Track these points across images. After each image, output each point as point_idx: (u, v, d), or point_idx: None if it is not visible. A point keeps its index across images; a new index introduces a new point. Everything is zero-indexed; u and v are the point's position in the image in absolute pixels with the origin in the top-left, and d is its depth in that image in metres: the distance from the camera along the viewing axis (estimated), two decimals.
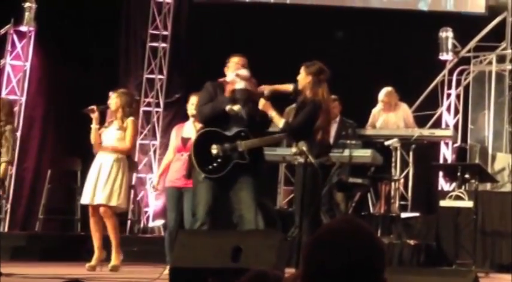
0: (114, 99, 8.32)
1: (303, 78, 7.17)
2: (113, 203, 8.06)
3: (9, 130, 8.24)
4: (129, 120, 8.27)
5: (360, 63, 11.18)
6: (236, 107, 6.86)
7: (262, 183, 8.41)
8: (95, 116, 8.20)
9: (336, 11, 11.97)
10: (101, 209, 8.08)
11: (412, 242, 8.80)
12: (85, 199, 8.15)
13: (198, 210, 6.85)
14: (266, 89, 7.37)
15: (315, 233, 2.13)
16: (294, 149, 6.72)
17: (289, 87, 7.54)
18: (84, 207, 8.51)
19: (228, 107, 6.92)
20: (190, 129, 7.74)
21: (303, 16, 11.91)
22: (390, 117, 9.84)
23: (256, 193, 6.74)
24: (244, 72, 7.15)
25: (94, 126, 8.23)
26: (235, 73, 7.11)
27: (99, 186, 8.05)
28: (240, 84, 7.01)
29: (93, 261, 8.12)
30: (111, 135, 8.22)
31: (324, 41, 11.43)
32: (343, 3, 12.12)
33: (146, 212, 11.50)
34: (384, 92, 9.80)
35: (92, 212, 8.16)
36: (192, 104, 7.73)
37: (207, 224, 6.71)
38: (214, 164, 6.73)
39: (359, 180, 8.82)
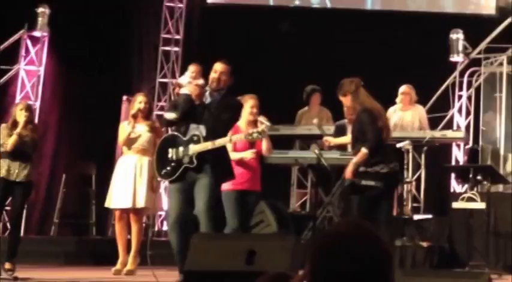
0: (143, 103, 8.32)
1: (345, 100, 7.34)
2: (143, 205, 8.12)
3: (39, 136, 8.46)
4: (158, 124, 8.36)
5: (371, 65, 11.22)
6: (168, 115, 7.03)
7: (275, 186, 8.54)
8: (133, 121, 8.21)
9: (346, 14, 12.03)
10: (133, 212, 8.14)
11: (425, 244, 8.82)
12: (121, 203, 8.19)
13: (169, 216, 6.96)
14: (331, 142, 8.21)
15: (322, 237, 2.15)
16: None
17: (347, 138, 8.03)
18: (100, 212, 8.57)
19: (164, 115, 7.16)
20: None
21: (313, 19, 11.96)
22: (406, 115, 9.85)
23: (209, 197, 6.68)
24: (199, 81, 7.25)
25: (128, 130, 8.24)
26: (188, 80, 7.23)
27: (140, 189, 8.11)
28: (185, 90, 7.09)
29: (119, 265, 8.17)
30: (142, 138, 8.28)
31: (335, 44, 11.48)
32: (355, 6, 12.17)
33: (160, 216, 11.55)
34: (404, 86, 9.84)
35: (119, 216, 8.22)
36: None
37: (176, 231, 6.72)
38: (168, 168, 6.84)
39: (372, 183, 8.84)
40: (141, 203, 8.08)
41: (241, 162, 7.60)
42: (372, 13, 11.97)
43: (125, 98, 10.61)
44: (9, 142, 8.10)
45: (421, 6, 12.03)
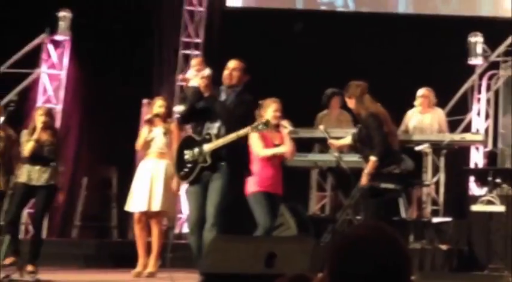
0: (162, 107, 8.39)
1: (349, 103, 7.61)
2: (164, 208, 8.19)
3: (61, 140, 8.55)
4: (174, 126, 8.42)
5: (390, 68, 11.24)
6: (177, 108, 7.04)
7: (294, 189, 8.57)
8: (152, 125, 8.32)
9: (366, 17, 12.05)
10: (152, 215, 8.20)
11: (444, 247, 8.83)
12: (137, 206, 8.27)
13: (189, 219, 7.02)
14: (334, 145, 8.14)
15: (340, 239, 2.16)
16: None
17: (347, 140, 8.08)
18: (122, 215, 8.64)
19: (173, 108, 7.16)
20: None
21: (334, 22, 11.98)
22: (425, 118, 9.85)
23: (223, 195, 6.70)
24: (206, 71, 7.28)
25: (146, 135, 8.31)
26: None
27: (156, 192, 8.19)
28: (193, 82, 7.12)
29: (139, 268, 8.23)
30: (158, 141, 8.33)
31: (354, 47, 11.50)
32: (378, 9, 12.20)
33: (181, 218, 11.60)
34: (423, 89, 9.85)
35: (138, 219, 8.29)
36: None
37: (195, 234, 6.76)
38: (185, 170, 6.89)
39: (391, 186, 8.87)
40: (156, 206, 8.15)
41: (267, 165, 7.62)
42: (390, 16, 11.96)
43: (145, 101, 10.68)
44: (27, 148, 8.21)
45: (456, 10, 11.97)
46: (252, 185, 7.50)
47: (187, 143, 6.96)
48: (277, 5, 12.57)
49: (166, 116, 8.46)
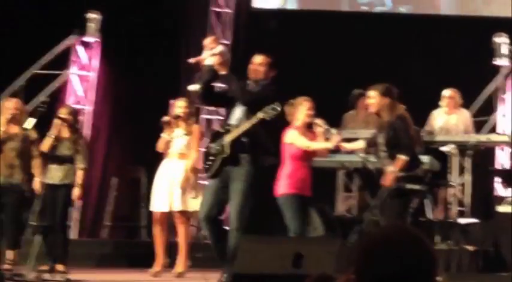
0: (181, 107, 8.46)
1: (379, 100, 7.43)
2: (189, 208, 8.25)
3: (83, 137, 8.60)
4: (195, 127, 8.49)
5: (416, 68, 11.27)
6: (192, 87, 7.03)
7: (321, 190, 8.59)
8: (170, 127, 8.40)
9: (392, 19, 12.08)
10: (176, 215, 8.27)
11: (470, 248, 8.83)
12: (159, 206, 8.34)
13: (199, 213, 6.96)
14: (346, 149, 8.13)
15: (367, 240, 2.19)
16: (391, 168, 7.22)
17: (360, 144, 8.04)
18: (150, 215, 8.70)
19: (188, 88, 7.14)
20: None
21: (359, 23, 12.02)
22: (451, 118, 9.86)
23: (245, 197, 6.65)
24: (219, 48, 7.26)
25: (166, 136, 8.39)
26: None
27: (176, 193, 8.25)
28: (208, 61, 7.11)
29: (158, 267, 8.30)
30: (179, 142, 8.40)
31: (381, 47, 11.54)
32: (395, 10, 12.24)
33: None
34: (448, 89, 9.86)
35: (159, 219, 8.36)
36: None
37: (205, 227, 6.78)
38: (208, 162, 6.90)
39: (416, 187, 8.89)
40: (177, 206, 8.21)
41: (301, 166, 7.58)
42: (417, 17, 11.98)
43: (172, 101, 10.77)
44: (44, 144, 8.27)
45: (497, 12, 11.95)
46: (284, 187, 7.44)
47: (214, 137, 7.01)
48: (321, 7, 12.61)
49: (188, 116, 8.50)
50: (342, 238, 8.30)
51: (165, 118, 8.54)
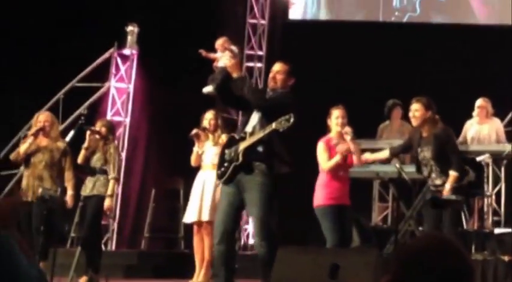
0: (209, 119, 8.55)
1: (423, 113, 7.46)
2: (208, 219, 8.27)
3: (114, 148, 8.70)
4: (223, 138, 8.56)
5: (448, 78, 11.28)
6: (206, 89, 6.92)
7: (357, 200, 8.61)
8: (199, 140, 8.46)
9: (426, 28, 12.11)
10: (204, 225, 8.35)
11: (506, 258, 8.82)
12: (190, 217, 8.41)
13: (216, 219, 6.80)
14: (369, 160, 8.00)
15: (403, 250, 2.25)
16: (438, 181, 7.22)
17: (386, 153, 8.01)
18: (188, 226, 8.77)
19: (203, 90, 7.03)
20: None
21: (395, 33, 12.07)
22: (483, 128, 9.87)
23: (263, 206, 6.46)
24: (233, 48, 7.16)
25: (196, 149, 8.51)
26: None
27: (205, 203, 8.30)
28: (221, 62, 7.02)
29: (202, 278, 8.34)
30: (211, 153, 8.52)
31: (416, 57, 11.58)
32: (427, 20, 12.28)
33: (246, 229, 11.76)
34: (480, 99, 9.88)
35: (198, 229, 8.41)
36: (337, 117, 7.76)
37: (223, 242, 6.53)
38: (222, 169, 6.74)
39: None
40: (205, 216, 8.28)
41: (334, 177, 7.56)
42: (450, 27, 12.00)
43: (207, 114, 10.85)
44: (80, 156, 8.43)
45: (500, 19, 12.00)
46: (319, 198, 7.47)
47: (229, 143, 6.85)
48: (358, 13, 12.69)
49: (215, 128, 8.57)
50: (378, 248, 8.34)
51: (193, 132, 8.61)
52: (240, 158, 6.55)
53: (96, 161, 8.49)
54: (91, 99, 11.37)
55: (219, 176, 6.79)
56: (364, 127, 10.35)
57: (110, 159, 8.55)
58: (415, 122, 7.56)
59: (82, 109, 10.43)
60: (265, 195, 6.48)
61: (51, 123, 8.46)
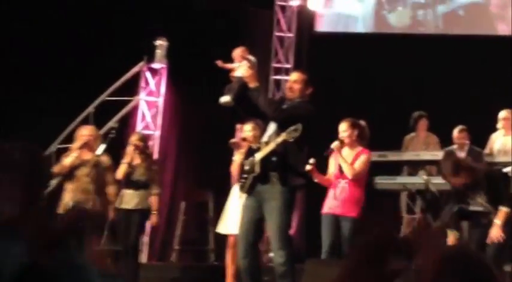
0: (248, 131, 8.52)
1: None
2: None
3: (155, 163, 8.85)
4: None
5: (473, 89, 11.30)
6: (223, 99, 6.90)
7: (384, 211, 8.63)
8: (239, 149, 8.44)
9: (451, 40, 12.13)
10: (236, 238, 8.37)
11: None
12: (226, 228, 8.38)
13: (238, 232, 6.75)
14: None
15: (432, 262, 2.30)
16: (480, 200, 7.19)
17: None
18: (218, 238, 8.80)
19: (220, 100, 7.02)
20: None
21: (424, 45, 12.08)
22: (508, 139, 9.92)
23: (280, 216, 6.47)
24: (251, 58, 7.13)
25: (237, 158, 8.53)
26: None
27: (233, 216, 8.17)
28: (238, 72, 7.01)
29: None
30: None
31: (442, 70, 11.61)
32: (452, 32, 12.31)
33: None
34: (503, 111, 9.89)
35: (232, 242, 8.40)
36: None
37: (248, 255, 6.53)
38: (242, 181, 6.78)
39: (480, 208, 8.91)
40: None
41: (334, 187, 7.59)
42: (473, 37, 12.00)
43: (239, 126, 10.94)
44: (119, 171, 8.56)
45: None
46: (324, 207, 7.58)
47: (248, 153, 6.87)
48: (359, 30, 12.78)
49: (255, 139, 8.62)
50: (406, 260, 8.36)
51: (233, 140, 8.66)
52: (257, 169, 6.58)
53: (139, 175, 8.61)
54: (121, 113, 11.47)
55: (240, 188, 6.85)
56: (390, 139, 10.44)
57: (154, 175, 8.73)
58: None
59: (112, 123, 10.51)
60: (282, 205, 6.48)
61: (95, 137, 8.60)
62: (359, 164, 7.57)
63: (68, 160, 8.39)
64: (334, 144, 7.53)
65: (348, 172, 7.53)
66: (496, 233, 6.98)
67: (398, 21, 12.70)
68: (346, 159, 7.61)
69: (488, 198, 7.24)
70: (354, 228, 7.35)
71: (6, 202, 2.37)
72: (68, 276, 2.25)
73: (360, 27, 12.83)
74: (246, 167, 6.74)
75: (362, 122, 7.81)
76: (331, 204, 7.58)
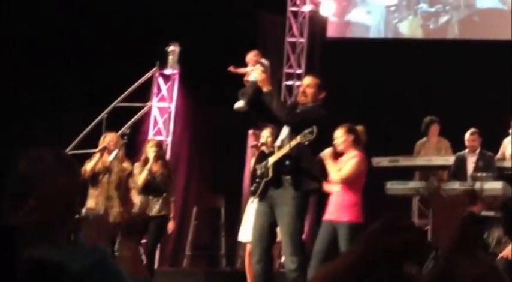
0: (266, 137, 8.37)
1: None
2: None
3: (172, 170, 8.93)
4: None
5: (484, 95, 11.29)
6: (237, 104, 6.93)
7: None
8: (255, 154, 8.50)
9: (466, 45, 12.12)
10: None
11: None
12: (245, 236, 8.28)
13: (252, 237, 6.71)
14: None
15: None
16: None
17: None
18: (230, 244, 8.81)
19: (234, 106, 7.04)
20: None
21: (435, 50, 12.09)
22: None
23: (293, 221, 6.42)
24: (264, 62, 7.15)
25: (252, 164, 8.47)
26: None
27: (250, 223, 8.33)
28: (251, 76, 7.01)
29: None
30: None
31: (452, 74, 11.61)
32: (472, 37, 12.29)
33: None
34: None
35: (250, 249, 8.39)
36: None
37: (262, 260, 6.48)
38: (255, 185, 6.73)
39: (491, 214, 8.91)
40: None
41: (331, 193, 7.53)
42: (484, 42, 11.99)
43: (250, 132, 10.97)
44: (140, 178, 8.63)
45: None
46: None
47: (260, 158, 6.86)
48: (371, 35, 12.77)
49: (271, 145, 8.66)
50: (418, 265, 8.37)
51: (253, 143, 8.66)
52: (270, 173, 6.56)
53: (160, 182, 8.68)
54: (133, 119, 11.51)
55: (252, 193, 6.81)
56: (402, 144, 10.45)
57: (170, 182, 8.87)
58: None
59: (125, 129, 10.54)
60: (294, 210, 6.46)
61: (116, 143, 8.68)
62: (346, 168, 7.42)
63: (89, 164, 8.53)
64: (325, 152, 7.48)
65: (333, 177, 7.42)
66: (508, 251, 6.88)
67: (409, 30, 12.71)
68: (343, 164, 7.52)
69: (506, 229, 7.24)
70: (351, 233, 7.20)
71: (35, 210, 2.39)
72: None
73: (371, 36, 12.84)
74: (259, 172, 6.72)
75: (359, 127, 7.75)
76: (328, 210, 7.53)
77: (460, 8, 12.54)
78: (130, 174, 8.68)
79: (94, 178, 8.52)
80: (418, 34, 12.69)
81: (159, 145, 9.09)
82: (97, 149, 8.62)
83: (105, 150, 8.58)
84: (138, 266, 3.23)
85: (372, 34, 12.83)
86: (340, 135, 7.55)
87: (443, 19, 12.57)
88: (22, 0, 11.71)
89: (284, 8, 12.91)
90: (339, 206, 7.41)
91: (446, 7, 12.57)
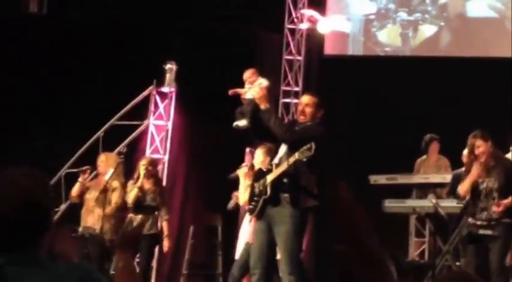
0: (258, 155, 8.37)
1: (486, 147, 7.43)
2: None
3: (164, 188, 8.90)
4: None
5: (486, 111, 11.27)
6: (240, 123, 6.95)
7: (393, 235, 8.61)
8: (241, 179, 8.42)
9: (463, 62, 12.11)
10: None
11: None
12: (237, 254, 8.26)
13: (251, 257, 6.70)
14: None
15: None
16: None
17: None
18: (227, 262, 8.78)
19: (234, 124, 7.06)
20: None
21: (434, 66, 12.07)
22: None
23: (291, 240, 6.42)
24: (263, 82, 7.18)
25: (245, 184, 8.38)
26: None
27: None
28: (249, 94, 7.00)
29: None
30: None
31: (453, 91, 11.59)
32: (469, 54, 12.28)
33: None
34: None
35: None
36: None
37: (262, 278, 6.46)
38: (252, 203, 6.72)
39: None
40: None
41: None
42: (482, 59, 11.98)
43: (247, 150, 10.96)
44: (130, 196, 8.60)
45: None
46: None
47: (258, 176, 6.83)
48: (369, 53, 12.79)
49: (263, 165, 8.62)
50: None
51: (244, 164, 8.65)
52: (268, 191, 6.54)
53: (151, 200, 8.65)
54: (130, 137, 11.50)
55: (250, 211, 6.79)
56: (401, 162, 10.43)
57: (164, 200, 8.85)
58: (481, 159, 7.45)
59: (121, 147, 10.50)
60: (292, 229, 6.43)
61: (108, 163, 8.80)
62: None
63: (74, 190, 8.78)
64: (241, 170, 7.49)
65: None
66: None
67: (388, 38, 12.72)
68: None
69: (502, 195, 7.29)
70: None
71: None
72: None
73: (350, 45, 12.83)
74: (257, 190, 6.70)
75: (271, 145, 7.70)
76: None
77: (449, 17, 12.54)
78: (114, 189, 8.66)
79: (82, 199, 8.61)
80: (397, 42, 12.68)
81: (152, 163, 9.06)
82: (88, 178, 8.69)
83: (88, 171, 8.76)
84: (133, 277, 3.20)
85: (351, 42, 12.81)
86: (261, 158, 7.68)
87: (430, 30, 12.57)
88: (19, 20, 11.74)
89: (281, 26, 12.91)
90: None
91: (425, 15, 12.56)
